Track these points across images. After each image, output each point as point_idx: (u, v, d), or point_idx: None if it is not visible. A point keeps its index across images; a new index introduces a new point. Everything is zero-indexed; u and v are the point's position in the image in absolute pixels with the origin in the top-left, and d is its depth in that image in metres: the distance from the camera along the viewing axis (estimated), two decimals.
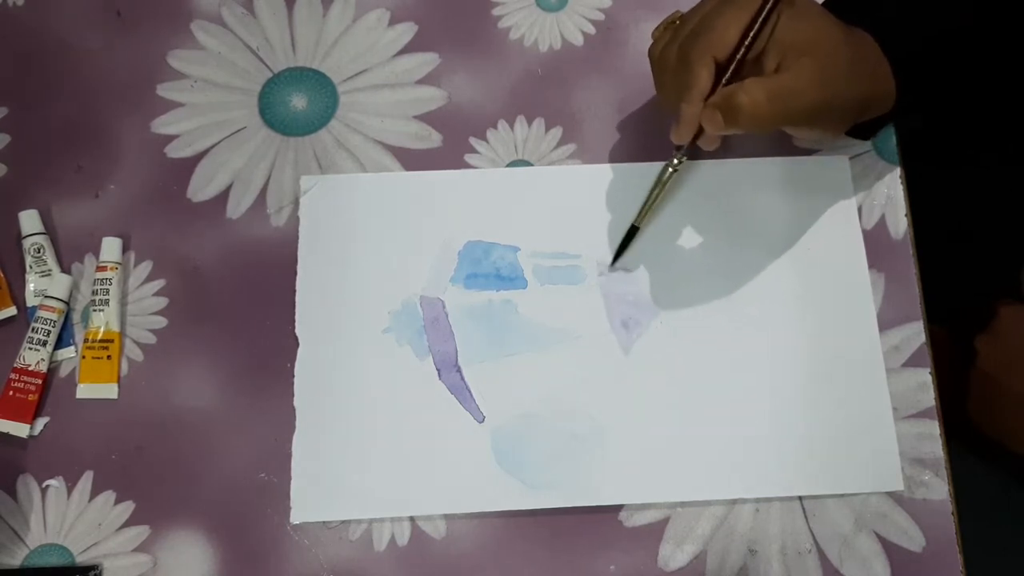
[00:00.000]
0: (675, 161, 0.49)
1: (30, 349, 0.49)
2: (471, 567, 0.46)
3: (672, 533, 0.47)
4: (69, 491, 0.48)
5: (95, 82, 0.56)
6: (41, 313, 0.49)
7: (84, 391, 0.49)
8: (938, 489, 0.47)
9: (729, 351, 0.49)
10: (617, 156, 0.53)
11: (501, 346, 0.49)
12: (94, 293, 0.50)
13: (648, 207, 0.50)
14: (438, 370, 0.49)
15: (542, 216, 0.52)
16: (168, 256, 0.52)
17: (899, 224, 0.52)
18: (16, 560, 0.47)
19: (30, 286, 0.51)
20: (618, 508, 0.47)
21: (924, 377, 0.49)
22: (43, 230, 0.52)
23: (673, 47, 0.45)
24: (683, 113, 0.44)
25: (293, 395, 0.49)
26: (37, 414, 0.49)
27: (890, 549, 0.46)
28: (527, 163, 0.53)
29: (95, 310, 0.50)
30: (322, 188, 0.53)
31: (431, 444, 0.48)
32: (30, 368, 0.49)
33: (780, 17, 0.43)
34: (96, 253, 0.51)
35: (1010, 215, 0.65)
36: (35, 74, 0.56)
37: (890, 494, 0.47)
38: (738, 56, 0.43)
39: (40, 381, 0.49)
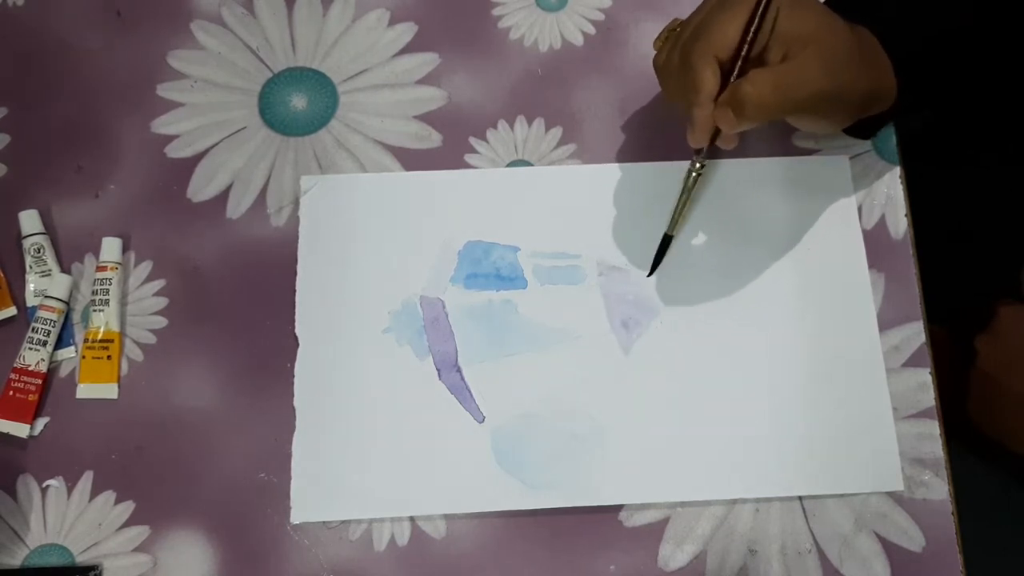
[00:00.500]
0: (697, 165, 0.48)
1: (30, 349, 0.49)
2: (471, 567, 0.46)
3: (672, 533, 0.47)
4: (69, 491, 0.48)
5: (95, 82, 0.56)
6: (41, 313, 0.49)
7: (84, 391, 0.49)
8: (938, 489, 0.47)
9: (729, 351, 0.49)
10: (617, 156, 0.53)
11: (501, 346, 0.49)
12: (94, 293, 0.50)
13: (678, 214, 0.49)
14: (438, 370, 0.49)
15: (542, 216, 0.52)
16: (168, 256, 0.52)
17: (899, 224, 0.52)
18: (16, 560, 0.47)
19: (30, 286, 0.51)
20: (618, 508, 0.47)
21: (924, 377, 0.49)
22: (43, 230, 0.52)
23: (675, 52, 0.45)
24: (695, 117, 0.44)
25: (293, 395, 0.49)
26: (37, 414, 0.49)
27: (890, 549, 0.46)
28: (527, 163, 0.53)
29: (95, 310, 0.50)
30: (322, 188, 0.53)
31: (431, 444, 0.48)
32: (30, 368, 0.49)
33: (780, 11, 0.43)
34: (96, 253, 0.51)
35: (1010, 215, 0.65)
36: (35, 74, 0.56)
37: (890, 494, 0.47)
38: (741, 54, 0.43)
39: (40, 381, 0.49)
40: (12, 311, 0.51)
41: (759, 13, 0.42)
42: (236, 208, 0.53)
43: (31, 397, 0.49)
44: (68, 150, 0.54)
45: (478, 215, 0.52)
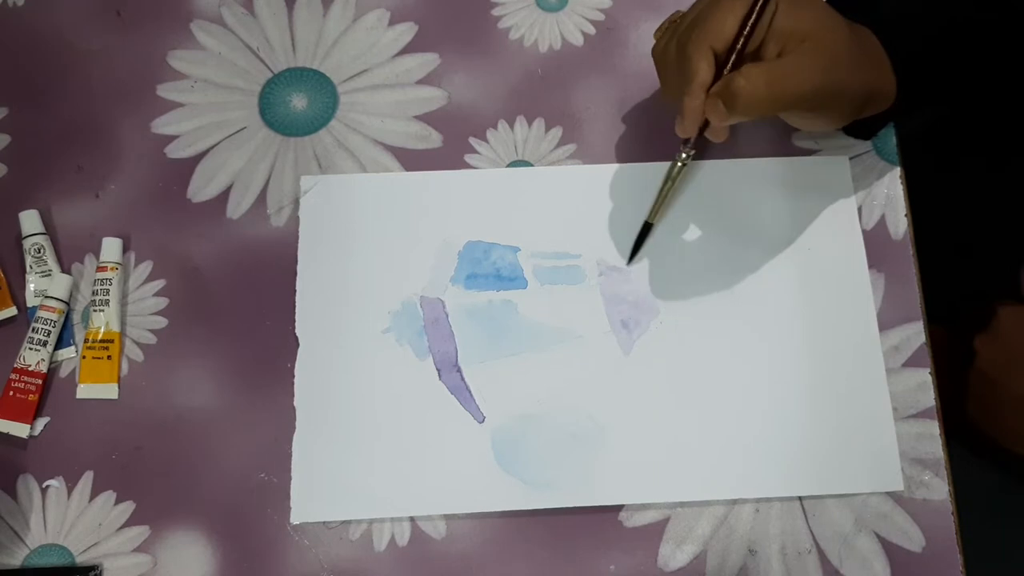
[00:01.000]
0: (683, 155, 0.48)
1: (30, 349, 0.49)
2: (471, 567, 0.46)
3: (672, 533, 0.47)
4: (69, 491, 0.48)
5: (95, 82, 0.56)
6: (41, 313, 0.49)
7: (84, 391, 0.49)
8: (938, 489, 0.47)
9: (729, 351, 0.49)
10: (617, 156, 0.53)
11: (501, 346, 0.49)
12: (94, 293, 0.50)
13: (659, 203, 0.50)
14: (438, 370, 0.49)
15: (542, 216, 0.52)
16: (168, 256, 0.52)
17: (899, 224, 0.52)
18: (16, 560, 0.47)
19: (30, 286, 0.51)
20: (618, 508, 0.47)
21: (924, 377, 0.49)
22: (43, 230, 0.52)
23: (672, 42, 0.45)
24: (685, 106, 0.44)
25: (293, 395, 0.49)
26: (37, 414, 0.49)
27: (890, 549, 0.46)
28: (527, 163, 0.53)
29: (95, 310, 0.50)
30: (322, 188, 0.53)
31: (431, 444, 0.48)
32: (30, 368, 0.49)
33: (779, 6, 0.43)
34: (96, 253, 0.51)
35: (1010, 215, 0.65)
36: (35, 74, 0.56)
37: (890, 494, 0.47)
38: (737, 46, 0.43)
39: (40, 381, 0.49)
40: (12, 311, 0.51)
41: (758, 7, 0.42)
42: (236, 208, 0.53)
43: (31, 397, 0.49)
44: (68, 150, 0.54)
45: (478, 215, 0.52)
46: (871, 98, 0.46)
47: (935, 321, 0.50)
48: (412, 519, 0.47)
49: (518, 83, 0.55)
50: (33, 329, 0.49)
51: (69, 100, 0.56)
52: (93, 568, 0.46)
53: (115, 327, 0.50)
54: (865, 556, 0.46)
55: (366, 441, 0.48)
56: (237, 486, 0.48)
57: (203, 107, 0.55)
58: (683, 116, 0.44)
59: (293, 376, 0.49)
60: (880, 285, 0.51)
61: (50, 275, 0.51)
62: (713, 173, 0.53)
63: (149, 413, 0.49)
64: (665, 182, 0.50)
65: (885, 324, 0.50)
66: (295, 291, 0.51)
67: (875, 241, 0.51)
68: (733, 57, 0.43)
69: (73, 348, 0.50)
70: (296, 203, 0.53)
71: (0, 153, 0.54)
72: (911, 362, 0.49)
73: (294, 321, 0.50)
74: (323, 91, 0.55)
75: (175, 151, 0.54)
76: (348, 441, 0.48)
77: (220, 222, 0.52)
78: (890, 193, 0.52)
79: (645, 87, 0.55)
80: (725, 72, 0.43)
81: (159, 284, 0.51)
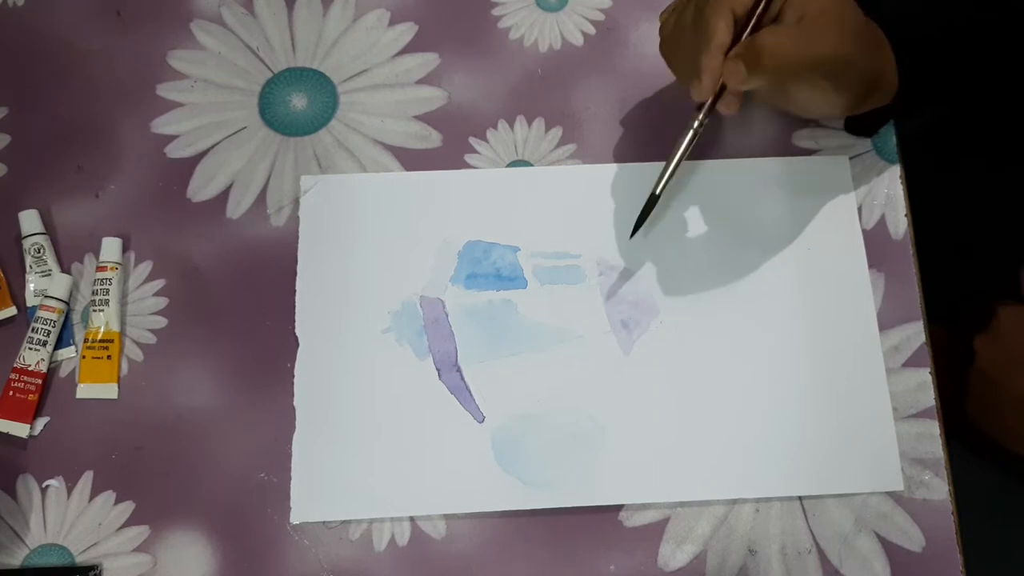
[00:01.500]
0: (695, 124, 0.47)
1: (30, 349, 0.49)
2: (471, 567, 0.46)
3: (672, 533, 0.47)
4: (69, 491, 0.48)
5: (95, 82, 0.56)
6: (41, 313, 0.49)
7: (84, 391, 0.49)
8: (938, 489, 0.47)
9: (729, 351, 0.49)
10: (617, 156, 0.53)
11: (501, 346, 0.49)
12: (94, 293, 0.50)
13: (668, 174, 0.48)
14: (438, 370, 0.49)
15: (542, 216, 0.52)
16: (168, 256, 0.52)
17: (899, 224, 0.52)
18: (16, 560, 0.47)
19: (30, 286, 0.51)
20: (618, 508, 0.47)
21: (924, 377, 0.49)
22: (43, 230, 0.52)
23: (689, 8, 0.45)
24: (703, 65, 0.43)
25: (293, 395, 0.49)
26: (37, 414, 0.49)
27: (890, 549, 0.46)
28: (527, 163, 0.53)
29: (95, 310, 0.50)
30: (322, 188, 0.53)
31: (431, 444, 0.48)
32: (30, 368, 0.49)
33: None
34: (96, 253, 0.51)
35: (1010, 215, 0.65)
36: (35, 74, 0.56)
37: (890, 494, 0.47)
38: (757, 11, 0.43)
39: (40, 381, 0.49)
40: (12, 311, 0.51)
41: None
42: (236, 208, 0.53)
43: (31, 397, 0.48)
44: (68, 150, 0.54)
45: (478, 215, 0.52)
46: (877, 83, 0.46)
47: (935, 321, 0.50)
48: (412, 519, 0.47)
49: (518, 83, 0.55)
50: (33, 329, 0.49)
51: (69, 100, 0.56)
52: (93, 568, 0.46)
53: (115, 327, 0.50)
54: (865, 556, 0.46)
55: (366, 441, 0.48)
56: (237, 486, 0.48)
57: (203, 107, 0.55)
58: (700, 78, 0.43)
59: (293, 376, 0.49)
60: (880, 285, 0.51)
61: (50, 275, 0.51)
62: (713, 173, 0.53)
63: (149, 413, 0.49)
64: (676, 152, 0.48)
65: (885, 324, 0.50)
66: (295, 291, 0.51)
67: (875, 241, 0.51)
68: (752, 22, 0.43)
69: (73, 348, 0.50)
70: (296, 203, 0.53)
71: (0, 153, 0.54)
72: (911, 362, 0.49)
73: (294, 321, 0.50)
74: (323, 91, 0.55)
75: (175, 151, 0.54)
76: (348, 441, 0.48)
77: (220, 222, 0.52)
78: (890, 193, 0.52)
79: (645, 87, 0.55)
80: (744, 38, 0.43)
81: (159, 284, 0.51)
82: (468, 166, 0.53)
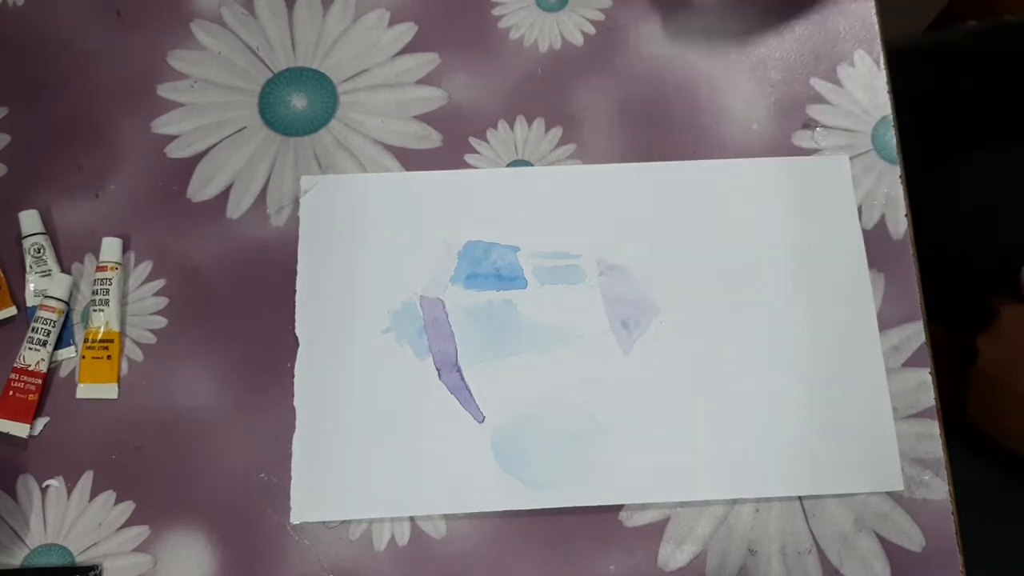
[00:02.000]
0: None
1: (30, 349, 0.49)
2: (471, 567, 0.46)
3: (672, 533, 0.47)
4: (69, 491, 0.48)
5: (95, 82, 0.56)
6: (41, 313, 0.49)
7: (84, 391, 0.49)
8: (938, 489, 0.47)
9: (729, 351, 0.49)
10: (617, 156, 0.53)
11: (501, 346, 0.49)
12: (94, 293, 0.50)
13: None
14: (438, 370, 0.49)
15: (542, 216, 0.52)
16: (168, 256, 0.52)
17: (899, 224, 0.52)
18: (16, 560, 0.47)
19: (30, 286, 0.51)
20: (618, 508, 0.47)
21: (924, 377, 0.49)
22: (43, 230, 0.52)
23: None
24: None
25: (293, 395, 0.49)
26: (37, 414, 0.49)
27: (890, 549, 0.46)
28: (527, 163, 0.53)
29: (95, 310, 0.50)
30: (322, 188, 0.53)
31: (431, 444, 0.48)
32: (30, 368, 0.49)
33: None
34: (96, 253, 0.51)
35: (1010, 215, 0.65)
36: (35, 74, 0.56)
37: (890, 494, 0.47)
38: None
39: (40, 381, 0.49)
40: (12, 311, 0.51)
41: None
42: (236, 208, 0.53)
43: (31, 397, 0.49)
44: (68, 150, 0.54)
45: (478, 215, 0.52)
46: None
47: (935, 321, 0.50)
48: (412, 519, 0.47)
49: (518, 83, 0.55)
50: (33, 329, 0.49)
51: (69, 100, 0.55)
52: (93, 568, 0.46)
53: (115, 327, 0.50)
54: (865, 556, 0.46)
55: (366, 441, 0.48)
56: (237, 486, 0.48)
57: (203, 107, 0.55)
58: None
59: (293, 376, 0.49)
60: (880, 285, 0.51)
61: (50, 275, 0.51)
62: (713, 173, 0.53)
63: (149, 413, 0.49)
64: None
65: (885, 324, 0.50)
66: (295, 291, 0.51)
67: (875, 241, 0.51)
68: None
69: (73, 348, 0.50)
70: (296, 203, 0.53)
71: (0, 153, 0.54)
72: (911, 362, 0.49)
73: (294, 321, 0.50)
74: (323, 91, 0.55)
75: (175, 151, 0.54)
76: (348, 441, 0.48)
77: (220, 222, 0.52)
78: (890, 193, 0.52)
79: (645, 87, 0.55)
80: None
81: (159, 284, 0.51)
82: (468, 166, 0.53)
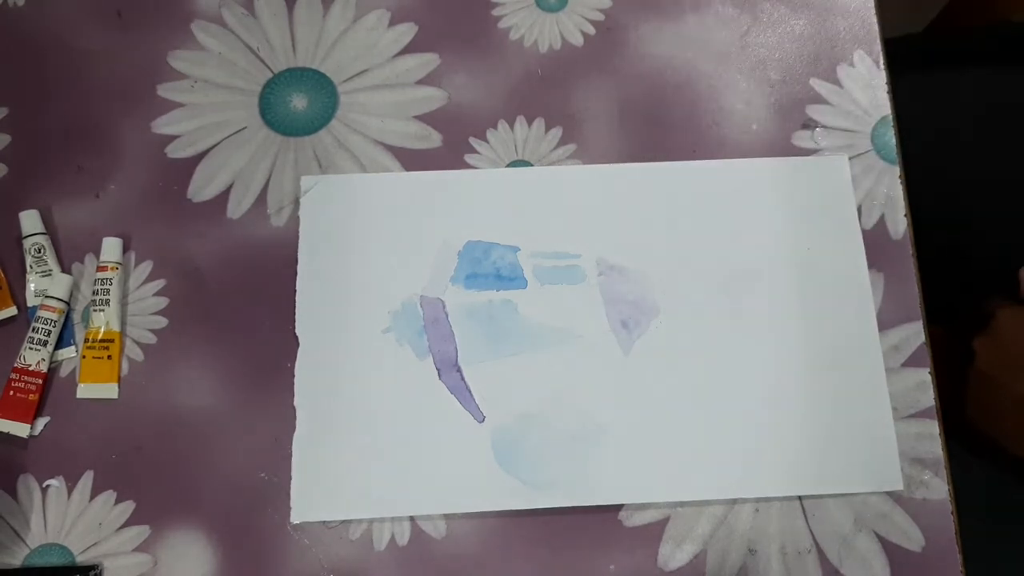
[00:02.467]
0: None
1: (30, 349, 0.49)
2: (471, 567, 0.46)
3: (672, 533, 0.47)
4: (69, 491, 0.48)
5: (95, 82, 0.56)
6: (41, 313, 0.49)
7: (84, 391, 0.49)
8: (938, 489, 0.47)
9: (729, 351, 0.49)
10: (617, 156, 0.53)
11: (501, 346, 0.49)
12: (94, 293, 0.50)
13: None
14: (438, 370, 0.49)
15: (542, 216, 0.52)
16: (168, 256, 0.52)
17: (899, 224, 0.52)
18: (16, 560, 0.47)
19: (30, 286, 0.51)
20: (618, 508, 0.47)
21: (924, 377, 0.49)
22: (43, 230, 0.52)
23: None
24: None
25: (293, 395, 0.49)
26: (37, 414, 0.49)
27: (890, 549, 0.46)
28: (527, 163, 0.54)
29: (95, 310, 0.50)
30: (322, 188, 0.53)
31: (431, 444, 0.48)
32: (30, 368, 0.49)
33: None
34: (96, 253, 0.51)
35: (1009, 215, 0.65)
36: (35, 74, 0.56)
37: (890, 494, 0.47)
38: None
39: (40, 381, 0.49)
40: (12, 311, 0.51)
41: None
42: (236, 208, 0.53)
43: (31, 397, 0.49)
44: (68, 150, 0.54)
45: (478, 215, 0.52)
46: None
47: (935, 321, 0.50)
48: (412, 519, 0.47)
49: (518, 83, 0.55)
50: (33, 329, 0.49)
51: (69, 100, 0.56)
52: (93, 568, 0.46)
53: (115, 327, 0.50)
54: (865, 556, 0.46)
55: (366, 441, 0.48)
56: (237, 486, 0.48)
57: (203, 107, 0.55)
58: None
59: (293, 376, 0.49)
60: (880, 285, 0.51)
61: (50, 275, 0.51)
62: (713, 173, 0.53)
63: (149, 413, 0.49)
64: None
65: (885, 324, 0.50)
66: (295, 291, 0.51)
67: (875, 241, 0.51)
68: None
69: (73, 348, 0.50)
70: (296, 203, 0.53)
71: (0, 153, 0.54)
72: (911, 362, 0.49)
73: (294, 321, 0.50)
74: (323, 91, 0.55)
75: (175, 151, 0.54)
76: (348, 441, 0.48)
77: (220, 222, 0.53)
78: (890, 193, 0.52)
79: (645, 87, 0.55)
80: None
81: (159, 284, 0.51)
82: (468, 166, 0.53)
